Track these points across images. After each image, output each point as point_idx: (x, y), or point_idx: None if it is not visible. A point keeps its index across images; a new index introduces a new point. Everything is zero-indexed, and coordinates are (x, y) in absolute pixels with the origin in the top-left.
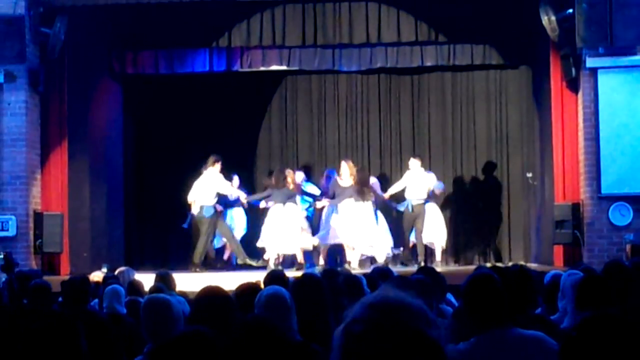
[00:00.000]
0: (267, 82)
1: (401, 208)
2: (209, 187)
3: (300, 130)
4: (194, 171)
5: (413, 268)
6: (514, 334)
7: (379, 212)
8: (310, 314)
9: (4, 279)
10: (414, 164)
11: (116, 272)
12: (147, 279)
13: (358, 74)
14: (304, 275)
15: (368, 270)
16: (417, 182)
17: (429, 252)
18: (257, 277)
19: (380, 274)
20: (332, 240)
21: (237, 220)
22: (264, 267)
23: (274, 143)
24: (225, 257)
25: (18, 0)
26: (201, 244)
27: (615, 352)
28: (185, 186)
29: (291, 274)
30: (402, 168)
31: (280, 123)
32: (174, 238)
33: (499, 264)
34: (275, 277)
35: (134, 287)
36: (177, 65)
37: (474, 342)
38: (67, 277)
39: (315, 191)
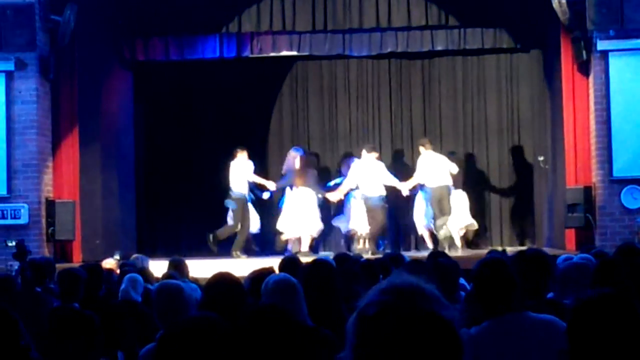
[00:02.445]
0: (277, 68)
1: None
2: (239, 175)
3: (311, 115)
4: (205, 157)
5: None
6: (525, 318)
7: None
8: (321, 299)
9: (16, 267)
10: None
11: (130, 259)
12: (159, 266)
13: (368, 58)
14: (315, 260)
15: (380, 255)
16: (434, 165)
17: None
18: (271, 263)
19: (392, 260)
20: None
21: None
22: (281, 253)
23: (284, 129)
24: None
25: None
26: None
27: (610, 329)
28: (196, 172)
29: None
30: (413, 153)
31: (290, 108)
32: (186, 225)
33: (511, 248)
34: (289, 263)
35: (144, 275)
36: (187, 51)
37: (486, 326)
38: (79, 265)
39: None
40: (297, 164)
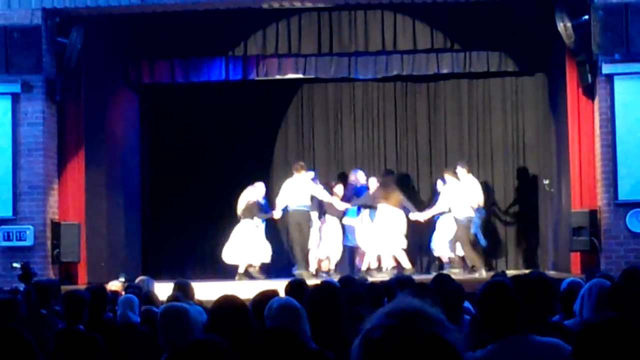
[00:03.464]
0: (283, 91)
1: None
2: (301, 191)
3: (316, 138)
4: (211, 179)
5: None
6: (530, 341)
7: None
8: (326, 322)
9: (22, 289)
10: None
11: (136, 281)
12: (165, 288)
13: (374, 81)
14: (322, 283)
15: (386, 278)
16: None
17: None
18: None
19: (398, 283)
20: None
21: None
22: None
23: (290, 151)
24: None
25: (35, 10)
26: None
27: (616, 354)
28: (201, 194)
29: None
30: (418, 175)
31: (296, 131)
32: (191, 247)
33: (516, 272)
34: (296, 286)
35: (149, 297)
36: (193, 74)
37: (491, 349)
38: (84, 287)
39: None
40: (374, 184)
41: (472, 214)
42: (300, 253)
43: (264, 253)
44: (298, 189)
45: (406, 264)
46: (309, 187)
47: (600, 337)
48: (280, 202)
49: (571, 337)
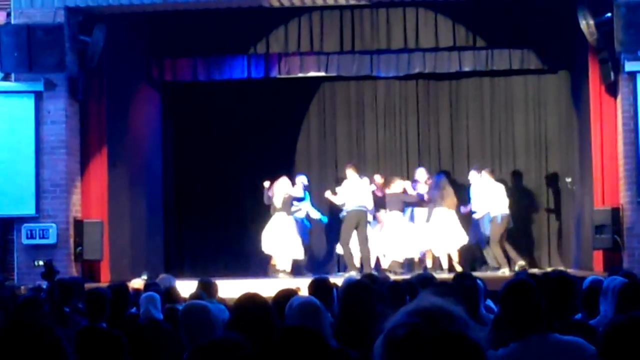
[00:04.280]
0: (305, 89)
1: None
2: (356, 190)
3: (338, 136)
4: (233, 177)
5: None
6: (552, 340)
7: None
8: (358, 320)
9: (45, 287)
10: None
11: (157, 280)
12: (187, 286)
13: (396, 79)
14: (352, 281)
15: (408, 276)
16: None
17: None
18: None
19: (420, 281)
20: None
21: None
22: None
23: (312, 149)
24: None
25: (57, 9)
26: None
27: None
28: (224, 191)
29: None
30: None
31: (318, 129)
32: (214, 244)
33: (538, 270)
34: (320, 284)
35: (170, 295)
36: (215, 72)
37: (513, 348)
38: (107, 285)
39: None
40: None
41: (507, 211)
42: (350, 254)
43: (298, 249)
44: (357, 189)
45: (457, 266)
46: (365, 187)
47: (627, 337)
48: (340, 200)
49: (594, 335)
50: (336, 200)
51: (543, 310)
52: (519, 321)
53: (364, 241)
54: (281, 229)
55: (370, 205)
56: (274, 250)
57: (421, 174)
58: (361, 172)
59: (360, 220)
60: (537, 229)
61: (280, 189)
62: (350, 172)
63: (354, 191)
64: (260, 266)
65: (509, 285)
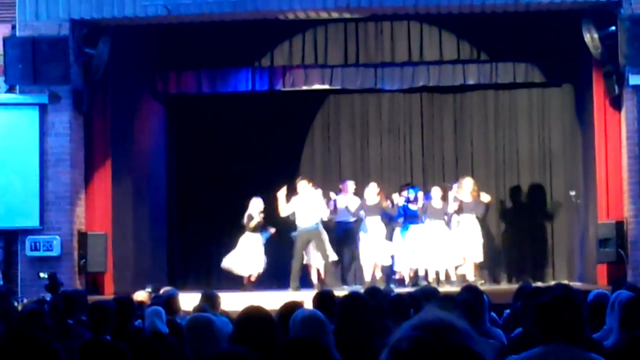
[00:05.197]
0: (309, 102)
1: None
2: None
3: (342, 149)
4: (237, 190)
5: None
6: (577, 354)
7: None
8: (355, 333)
9: (48, 299)
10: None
11: (161, 292)
12: (191, 299)
13: (400, 92)
14: (350, 294)
15: (412, 289)
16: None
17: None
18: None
19: (424, 294)
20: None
21: None
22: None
23: (316, 162)
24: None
25: (62, 21)
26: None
27: None
28: (227, 204)
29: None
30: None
31: (322, 142)
32: (218, 257)
33: (541, 284)
34: (324, 297)
35: (169, 306)
36: (219, 85)
37: (536, 351)
38: (111, 297)
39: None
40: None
41: None
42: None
43: (260, 264)
44: (307, 205)
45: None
46: (317, 200)
47: None
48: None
49: (597, 348)
50: (282, 207)
51: (584, 325)
52: (557, 328)
53: (325, 257)
54: (251, 248)
55: (324, 216)
56: (241, 269)
57: (468, 183)
58: (361, 185)
59: (311, 238)
60: (540, 242)
61: (255, 209)
62: (303, 185)
63: (303, 208)
64: (262, 278)
65: (555, 294)
